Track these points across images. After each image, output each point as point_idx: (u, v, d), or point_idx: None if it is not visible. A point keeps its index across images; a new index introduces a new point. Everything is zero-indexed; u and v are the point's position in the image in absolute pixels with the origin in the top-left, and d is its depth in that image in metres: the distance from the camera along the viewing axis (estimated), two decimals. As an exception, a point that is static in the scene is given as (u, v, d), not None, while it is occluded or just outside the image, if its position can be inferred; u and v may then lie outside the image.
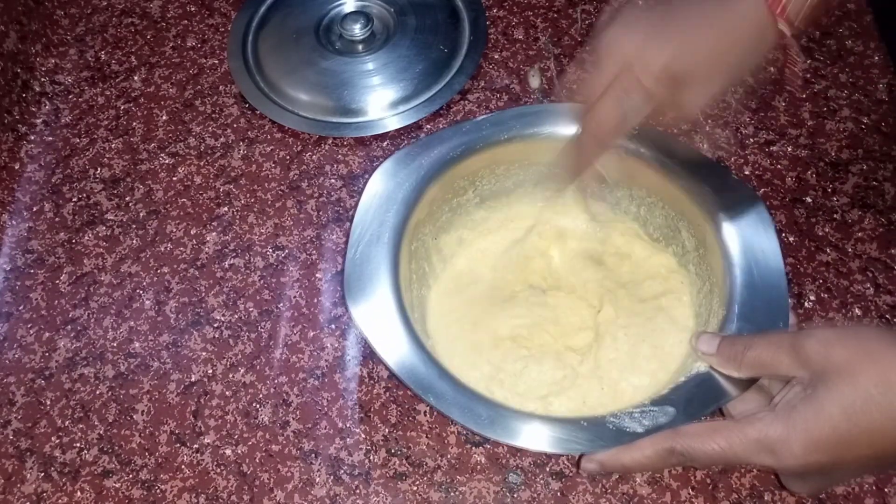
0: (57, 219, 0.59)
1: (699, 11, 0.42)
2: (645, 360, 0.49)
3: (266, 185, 0.60)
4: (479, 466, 0.48)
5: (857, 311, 0.52)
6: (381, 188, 0.49)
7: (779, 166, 0.59)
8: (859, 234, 0.55)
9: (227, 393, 0.51)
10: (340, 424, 0.50)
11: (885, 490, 0.47)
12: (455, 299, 0.52)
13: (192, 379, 0.52)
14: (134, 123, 0.64)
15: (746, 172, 0.58)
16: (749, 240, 0.46)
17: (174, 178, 0.61)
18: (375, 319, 0.44)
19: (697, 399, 0.41)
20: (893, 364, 0.35)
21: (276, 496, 0.48)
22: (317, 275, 0.56)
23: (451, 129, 0.51)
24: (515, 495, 0.47)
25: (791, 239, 0.55)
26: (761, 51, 0.43)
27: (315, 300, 0.55)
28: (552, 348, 0.50)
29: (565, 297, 0.52)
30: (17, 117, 0.64)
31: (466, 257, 0.54)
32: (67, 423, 0.51)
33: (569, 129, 0.50)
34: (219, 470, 0.49)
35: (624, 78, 0.42)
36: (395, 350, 0.43)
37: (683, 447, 0.39)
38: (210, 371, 0.52)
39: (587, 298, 0.52)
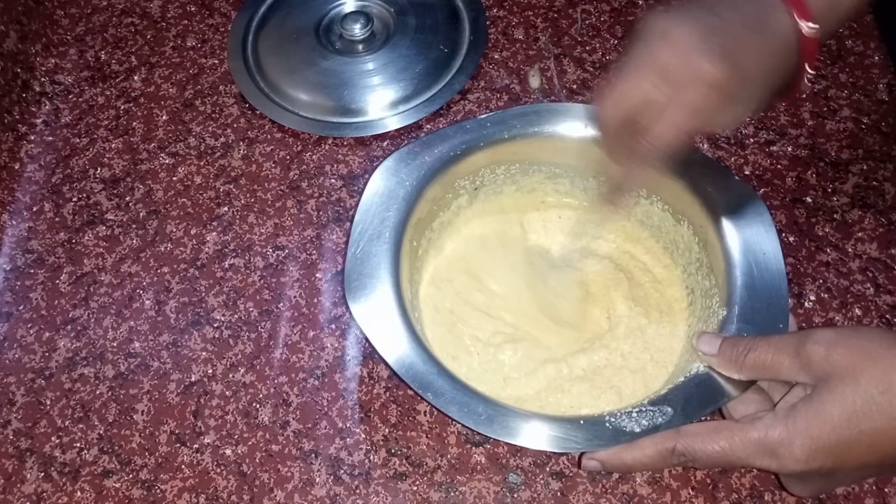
0: (57, 219, 0.59)
1: (741, 20, 0.40)
2: (641, 360, 0.49)
3: (266, 185, 0.60)
4: (479, 466, 0.48)
5: (857, 311, 0.52)
6: (382, 186, 0.49)
7: (779, 166, 0.59)
8: (859, 234, 0.55)
9: (227, 393, 0.51)
10: (340, 424, 0.50)
11: (886, 490, 0.47)
12: (449, 296, 0.52)
13: (192, 379, 0.52)
14: (134, 123, 0.64)
15: (746, 172, 0.58)
16: (750, 240, 0.46)
17: (174, 178, 0.61)
18: (375, 316, 0.44)
19: (696, 399, 0.41)
20: (895, 365, 0.35)
21: (276, 496, 0.48)
22: (317, 275, 0.56)
23: (453, 127, 0.51)
24: (515, 495, 0.47)
25: (791, 239, 0.55)
26: (789, 67, 0.41)
27: (315, 300, 0.55)
28: (545, 347, 0.50)
29: (560, 295, 0.52)
30: (17, 117, 0.64)
31: (461, 253, 0.54)
32: (67, 423, 0.51)
33: (572, 129, 0.50)
34: (219, 470, 0.49)
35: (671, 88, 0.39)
36: (394, 347, 0.43)
37: (685, 447, 0.39)
38: (210, 371, 0.52)
39: (583, 296, 0.52)
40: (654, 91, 0.40)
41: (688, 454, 0.39)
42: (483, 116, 0.51)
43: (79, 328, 0.54)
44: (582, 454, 0.42)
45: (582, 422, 0.41)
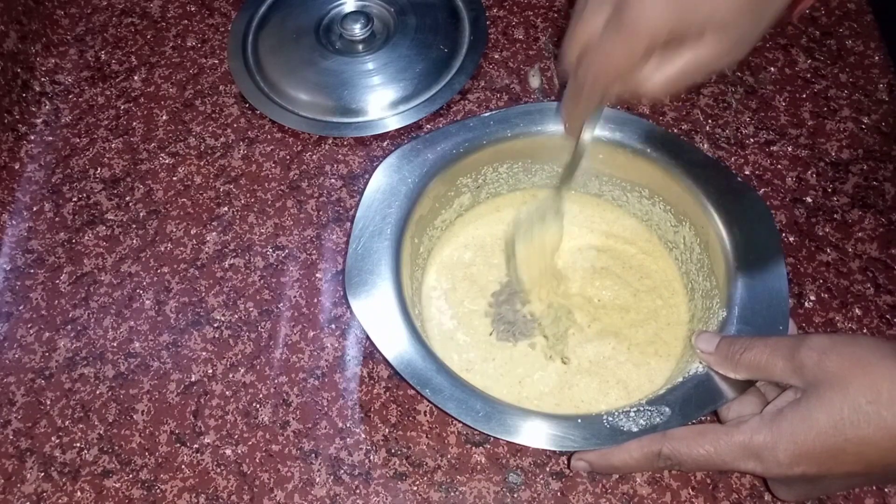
0: (57, 219, 0.59)
1: None
2: (642, 359, 0.49)
3: (266, 184, 0.60)
4: (479, 466, 0.48)
5: (857, 311, 0.52)
6: (384, 182, 0.49)
7: (779, 166, 0.59)
8: (859, 234, 0.55)
9: (227, 393, 0.51)
10: (340, 424, 0.50)
11: (886, 490, 0.47)
12: (454, 305, 0.52)
13: (192, 379, 0.52)
14: (134, 123, 0.64)
15: (746, 172, 0.58)
16: (751, 241, 0.46)
17: (174, 178, 0.61)
18: (375, 313, 0.44)
19: (694, 400, 0.41)
20: (885, 376, 0.35)
21: (276, 496, 0.48)
22: (317, 275, 0.56)
23: (455, 125, 0.51)
24: (515, 495, 0.47)
25: (791, 239, 0.55)
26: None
27: (315, 300, 0.55)
28: (543, 346, 0.50)
29: (559, 293, 0.52)
30: (17, 117, 0.64)
31: (460, 252, 0.54)
32: (67, 423, 0.51)
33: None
34: (219, 470, 0.49)
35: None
36: (393, 343, 0.43)
37: (670, 450, 0.39)
38: (210, 371, 0.52)
39: (583, 295, 0.52)
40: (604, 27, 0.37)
41: (673, 457, 0.39)
42: (486, 114, 0.51)
43: (79, 328, 0.54)
44: (572, 454, 0.42)
45: (580, 420, 0.41)
